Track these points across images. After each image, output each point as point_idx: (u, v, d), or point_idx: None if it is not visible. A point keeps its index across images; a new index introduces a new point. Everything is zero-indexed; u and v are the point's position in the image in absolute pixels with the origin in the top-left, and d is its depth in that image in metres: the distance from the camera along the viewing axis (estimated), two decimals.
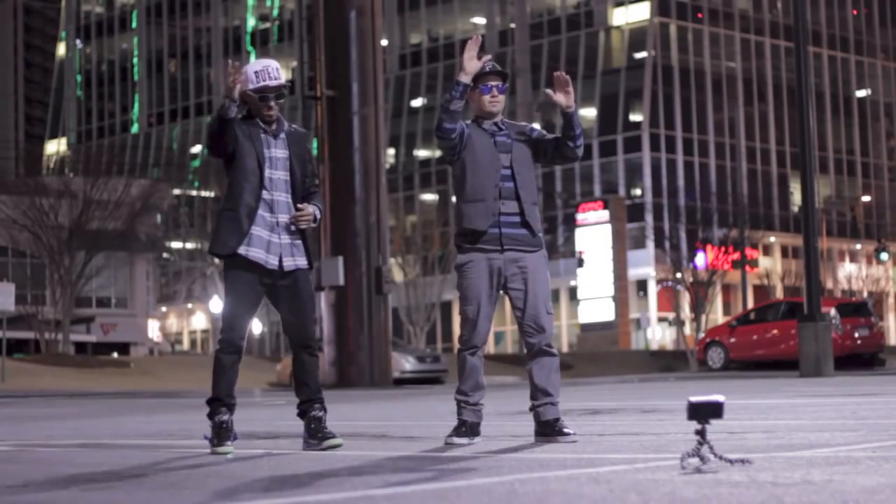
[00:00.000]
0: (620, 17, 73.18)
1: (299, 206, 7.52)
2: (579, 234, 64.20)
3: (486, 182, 7.48)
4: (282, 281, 7.50)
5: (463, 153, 7.53)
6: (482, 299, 7.49)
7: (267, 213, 7.46)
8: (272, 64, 7.58)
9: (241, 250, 7.43)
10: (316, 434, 7.42)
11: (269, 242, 7.45)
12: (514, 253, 7.47)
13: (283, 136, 7.56)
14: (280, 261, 7.47)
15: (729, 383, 21.84)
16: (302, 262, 7.55)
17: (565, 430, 7.38)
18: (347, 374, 31.17)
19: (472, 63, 7.39)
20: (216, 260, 63.67)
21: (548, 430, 7.42)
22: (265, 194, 7.45)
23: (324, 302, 31.34)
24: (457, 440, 7.42)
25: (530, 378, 7.54)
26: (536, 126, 7.75)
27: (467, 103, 7.58)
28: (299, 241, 7.55)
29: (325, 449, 7.29)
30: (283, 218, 7.50)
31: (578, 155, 7.59)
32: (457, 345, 7.74)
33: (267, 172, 7.46)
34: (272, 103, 7.50)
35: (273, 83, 7.48)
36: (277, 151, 7.53)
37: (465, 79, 7.38)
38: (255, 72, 7.48)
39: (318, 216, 7.61)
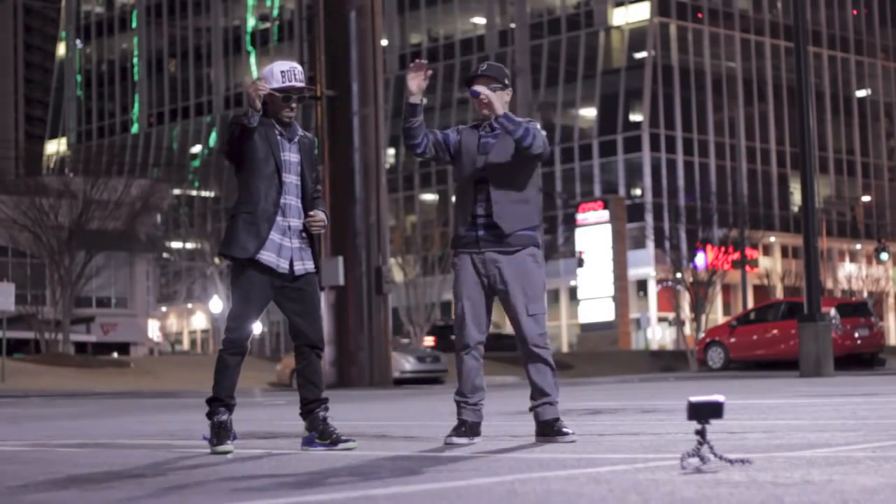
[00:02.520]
0: (620, 17, 73.18)
1: (311, 212, 7.56)
2: (579, 234, 64.21)
3: (464, 187, 7.60)
4: (290, 284, 7.52)
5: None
6: (468, 298, 7.53)
7: (279, 216, 7.49)
8: (298, 66, 7.62)
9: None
10: (328, 436, 7.43)
11: (281, 246, 7.48)
12: (492, 254, 7.51)
13: (296, 140, 7.59)
14: (291, 265, 7.50)
15: (729, 383, 21.84)
16: (310, 265, 7.60)
17: (564, 430, 7.39)
18: (347, 374, 31.17)
19: (413, 83, 7.52)
20: (217, 260, 63.74)
21: (547, 431, 7.43)
22: (280, 199, 7.49)
23: (324, 302, 31.33)
24: (456, 440, 7.42)
25: (528, 379, 7.56)
26: (529, 122, 7.63)
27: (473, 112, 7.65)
28: (308, 246, 7.59)
29: (340, 450, 7.30)
30: (294, 222, 7.53)
31: (533, 153, 7.49)
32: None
33: (283, 177, 7.49)
34: (294, 104, 7.53)
35: (298, 84, 7.51)
36: (291, 155, 7.57)
37: (413, 99, 7.60)
38: (282, 71, 7.50)
39: (326, 222, 7.65)
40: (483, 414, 7.64)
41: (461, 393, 7.55)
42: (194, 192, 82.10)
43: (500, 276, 7.49)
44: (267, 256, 7.45)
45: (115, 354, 53.96)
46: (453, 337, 7.74)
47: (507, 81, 7.64)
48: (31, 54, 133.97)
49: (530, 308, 7.46)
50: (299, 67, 7.63)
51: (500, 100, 7.56)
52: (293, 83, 7.50)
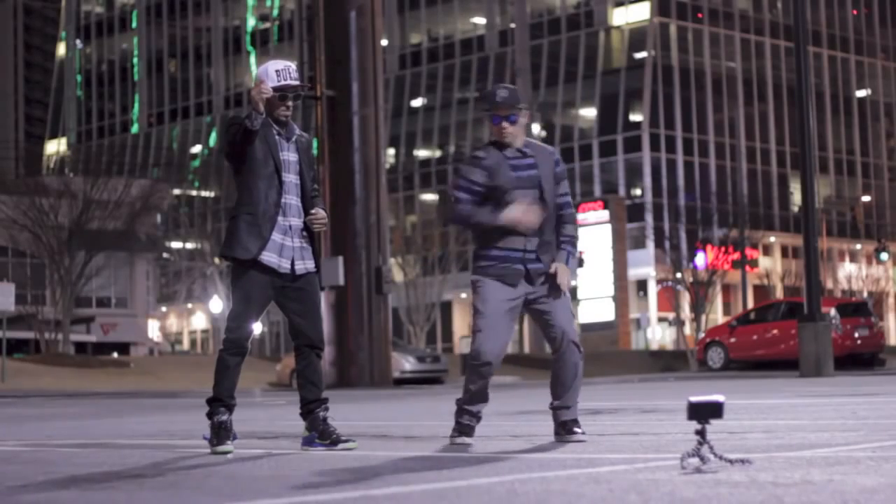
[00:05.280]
0: (620, 17, 73.17)
1: (312, 210, 7.55)
2: (579, 234, 64.17)
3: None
4: (291, 284, 7.52)
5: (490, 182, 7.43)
6: (492, 315, 7.53)
7: (280, 216, 7.49)
8: (292, 65, 7.62)
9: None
10: (328, 436, 7.43)
11: (282, 246, 7.47)
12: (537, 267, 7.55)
13: (294, 139, 7.59)
14: (292, 264, 7.49)
15: (729, 383, 21.84)
16: (311, 265, 7.59)
17: (575, 430, 7.47)
18: (347, 374, 31.17)
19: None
20: (216, 260, 63.67)
21: (560, 430, 7.54)
22: (280, 199, 7.49)
23: (324, 302, 31.30)
24: (467, 439, 7.50)
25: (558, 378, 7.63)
26: (560, 163, 7.57)
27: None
28: (308, 245, 7.58)
29: (340, 450, 7.31)
30: (295, 221, 7.52)
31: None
32: (459, 347, 7.77)
33: (283, 176, 7.49)
34: (289, 103, 7.53)
35: (294, 83, 7.51)
36: (290, 155, 7.56)
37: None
38: (277, 70, 7.51)
39: (327, 220, 7.66)
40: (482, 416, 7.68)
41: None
42: (194, 192, 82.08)
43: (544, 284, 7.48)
44: (269, 257, 7.45)
45: (115, 354, 53.97)
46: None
47: (522, 105, 7.46)
48: (31, 54, 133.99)
49: (571, 307, 7.59)
50: (293, 65, 7.64)
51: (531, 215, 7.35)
52: (288, 81, 7.51)
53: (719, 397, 5.31)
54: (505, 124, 7.41)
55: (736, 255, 55.12)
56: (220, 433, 7.39)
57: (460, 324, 69.75)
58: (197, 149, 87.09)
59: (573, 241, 7.61)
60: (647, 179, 69.25)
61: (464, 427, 7.54)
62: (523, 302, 7.46)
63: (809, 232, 25.22)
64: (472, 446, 7.32)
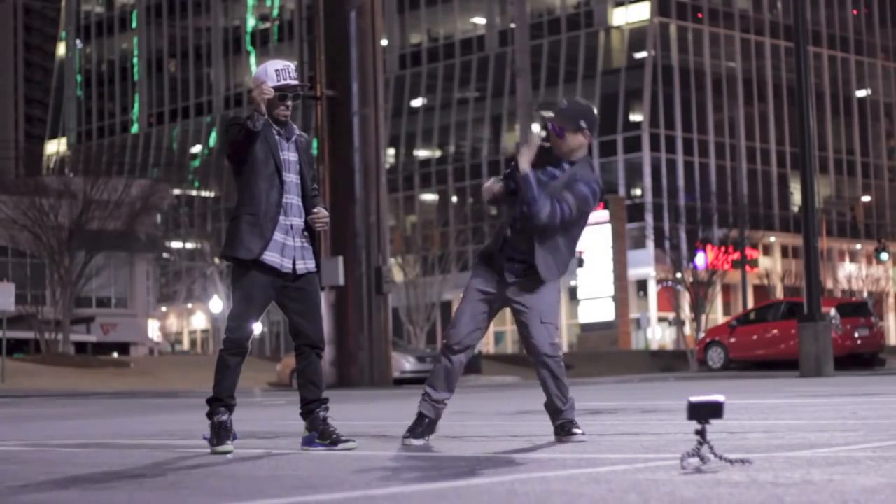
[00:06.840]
0: (620, 17, 73.18)
1: (314, 209, 7.56)
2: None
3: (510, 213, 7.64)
4: (292, 284, 7.52)
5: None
6: (469, 301, 7.79)
7: (282, 216, 7.49)
8: (291, 65, 7.63)
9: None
10: (328, 436, 7.43)
11: (284, 246, 7.48)
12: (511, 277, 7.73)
13: (293, 139, 7.60)
14: (293, 264, 7.50)
15: (729, 383, 21.84)
16: (312, 265, 7.59)
17: (574, 431, 7.48)
18: (347, 374, 31.16)
19: (524, 160, 7.34)
20: (216, 260, 63.59)
21: (559, 431, 7.57)
22: (282, 198, 7.49)
23: (324, 302, 31.27)
24: (415, 441, 7.57)
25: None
26: (581, 180, 7.56)
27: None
28: (309, 245, 7.59)
29: (340, 450, 7.31)
30: (296, 221, 7.53)
31: (535, 221, 7.46)
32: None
33: (283, 176, 7.50)
34: (289, 102, 7.54)
35: (293, 83, 7.52)
36: (290, 154, 7.57)
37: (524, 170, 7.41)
38: (276, 70, 7.52)
39: (329, 219, 7.68)
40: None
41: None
42: (194, 192, 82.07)
43: (515, 292, 7.60)
44: (270, 257, 7.45)
45: (115, 354, 53.99)
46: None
47: (582, 124, 7.43)
48: (31, 54, 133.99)
49: (544, 316, 7.57)
50: (292, 65, 7.65)
51: (528, 154, 7.37)
52: (288, 81, 7.52)
53: (719, 397, 5.31)
54: (549, 133, 7.45)
55: (736, 255, 55.12)
56: (220, 433, 7.39)
57: None
58: (197, 149, 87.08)
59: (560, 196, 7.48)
60: (647, 179, 69.26)
61: (420, 423, 7.58)
62: (509, 307, 7.62)
63: (809, 232, 25.23)
64: (423, 445, 7.42)
